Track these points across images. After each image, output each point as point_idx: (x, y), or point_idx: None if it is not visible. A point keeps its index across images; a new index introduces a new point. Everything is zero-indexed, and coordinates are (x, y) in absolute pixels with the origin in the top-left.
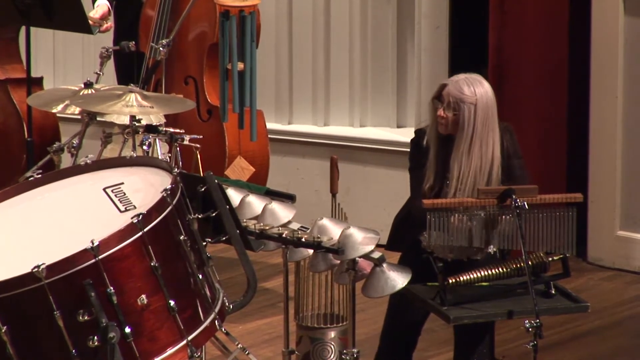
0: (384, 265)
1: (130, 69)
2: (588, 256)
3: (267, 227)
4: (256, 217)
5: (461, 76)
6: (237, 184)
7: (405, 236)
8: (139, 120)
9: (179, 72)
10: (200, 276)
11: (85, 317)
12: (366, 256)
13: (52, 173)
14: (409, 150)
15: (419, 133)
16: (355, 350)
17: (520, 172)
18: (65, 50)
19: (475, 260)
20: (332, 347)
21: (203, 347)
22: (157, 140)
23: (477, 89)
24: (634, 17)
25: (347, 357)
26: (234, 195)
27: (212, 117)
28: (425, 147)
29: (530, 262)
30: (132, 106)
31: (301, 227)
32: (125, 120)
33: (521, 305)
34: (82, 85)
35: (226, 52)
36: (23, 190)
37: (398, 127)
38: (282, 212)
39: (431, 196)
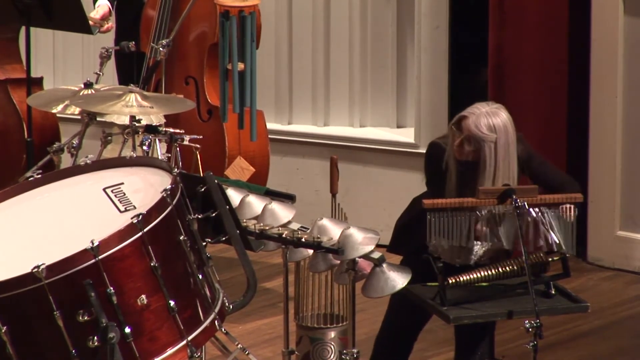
0: (384, 265)
1: (131, 69)
2: (588, 256)
3: (267, 227)
4: (256, 217)
5: (482, 109)
6: (237, 184)
7: (409, 241)
8: (139, 121)
9: (180, 72)
10: (200, 276)
11: (85, 317)
12: (366, 256)
13: (52, 173)
14: (408, 150)
15: (436, 148)
16: (355, 351)
17: (545, 169)
18: (65, 50)
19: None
20: (332, 347)
21: (203, 347)
22: (157, 140)
23: (496, 124)
24: (634, 17)
25: (347, 357)
26: (234, 196)
27: (212, 117)
28: (445, 165)
29: (530, 262)
30: (132, 106)
31: (301, 227)
32: (126, 120)
33: (521, 306)
34: (82, 86)
35: (226, 53)
36: (23, 190)
37: (398, 127)
38: (282, 212)
39: None
